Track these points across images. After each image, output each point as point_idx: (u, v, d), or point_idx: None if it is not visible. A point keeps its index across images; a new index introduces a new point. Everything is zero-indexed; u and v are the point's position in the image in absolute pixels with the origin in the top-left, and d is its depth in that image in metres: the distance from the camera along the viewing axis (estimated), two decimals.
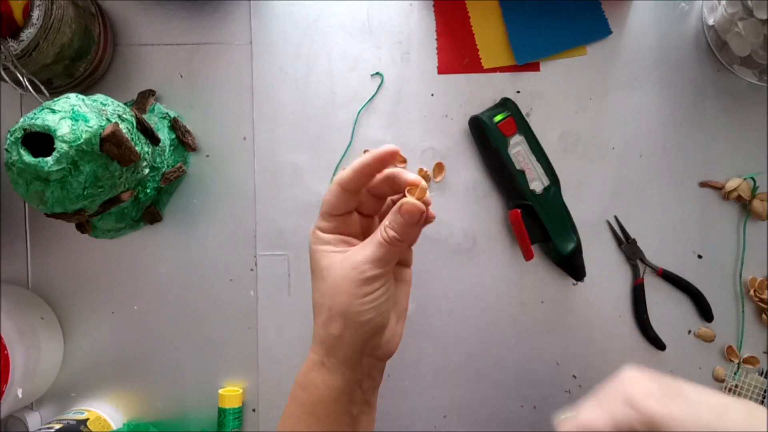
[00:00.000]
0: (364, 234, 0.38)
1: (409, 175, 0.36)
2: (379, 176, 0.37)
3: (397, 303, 0.39)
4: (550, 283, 0.51)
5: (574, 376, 0.51)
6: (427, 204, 0.35)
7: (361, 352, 0.37)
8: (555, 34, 0.50)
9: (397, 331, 0.39)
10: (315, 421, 0.37)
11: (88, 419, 0.47)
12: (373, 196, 0.38)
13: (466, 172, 0.51)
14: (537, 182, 0.48)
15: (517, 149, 0.48)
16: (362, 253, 0.36)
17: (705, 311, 0.50)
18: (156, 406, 0.51)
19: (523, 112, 0.50)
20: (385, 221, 0.36)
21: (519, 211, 0.47)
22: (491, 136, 0.48)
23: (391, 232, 0.35)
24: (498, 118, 0.48)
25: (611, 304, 0.50)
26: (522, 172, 0.48)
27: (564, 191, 0.50)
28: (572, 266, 0.49)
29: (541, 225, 0.48)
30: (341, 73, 0.51)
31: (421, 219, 0.35)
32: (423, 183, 0.35)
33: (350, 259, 0.36)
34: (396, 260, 0.36)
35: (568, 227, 0.49)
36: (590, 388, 0.50)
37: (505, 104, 0.49)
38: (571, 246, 0.48)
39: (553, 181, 0.49)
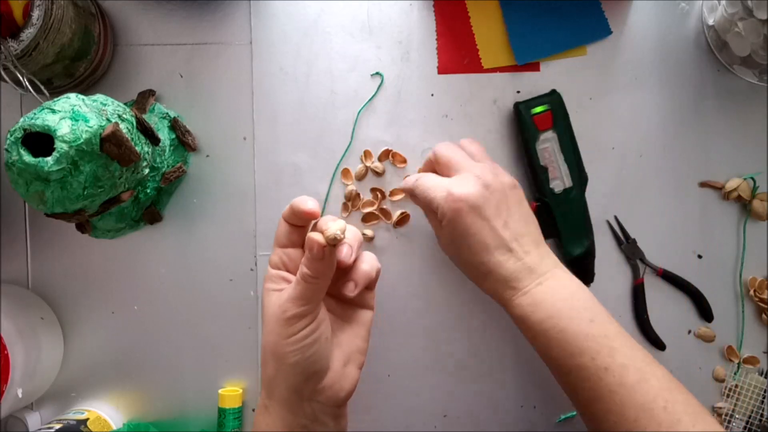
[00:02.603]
0: None
1: (325, 220, 0.37)
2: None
3: (344, 345, 0.39)
4: None
5: None
6: (338, 246, 0.35)
7: (298, 395, 0.36)
8: (555, 34, 0.50)
9: (346, 375, 0.38)
10: None
11: (88, 419, 0.47)
12: None
13: None
14: (558, 182, 0.48)
15: (546, 145, 0.48)
16: (287, 292, 0.36)
17: (705, 311, 0.50)
18: (156, 406, 0.51)
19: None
20: (303, 259, 0.36)
21: (536, 204, 0.48)
22: (524, 126, 0.48)
23: (304, 269, 0.35)
24: (536, 110, 0.48)
25: (611, 304, 0.50)
26: (545, 169, 0.48)
27: None
28: (580, 269, 0.49)
29: (554, 223, 0.49)
30: (341, 73, 0.51)
31: (322, 253, 0.34)
32: (333, 225, 0.35)
33: (280, 298, 0.36)
34: (319, 299, 0.36)
35: (582, 231, 0.49)
36: None
37: (550, 96, 0.49)
38: (579, 250, 0.49)
39: (577, 184, 0.48)
